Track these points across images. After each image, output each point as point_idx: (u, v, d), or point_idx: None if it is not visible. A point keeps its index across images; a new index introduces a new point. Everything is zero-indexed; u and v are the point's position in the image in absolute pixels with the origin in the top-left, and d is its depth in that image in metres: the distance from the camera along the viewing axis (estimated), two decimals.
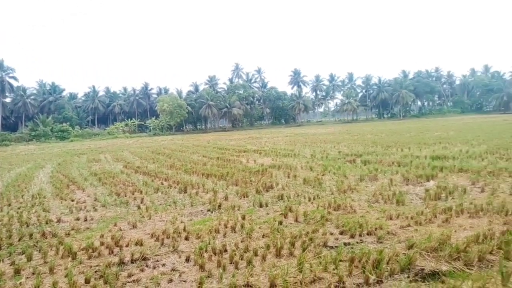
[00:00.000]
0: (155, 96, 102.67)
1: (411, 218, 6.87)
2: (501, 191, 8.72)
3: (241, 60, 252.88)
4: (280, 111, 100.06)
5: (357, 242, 5.88)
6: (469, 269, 4.68)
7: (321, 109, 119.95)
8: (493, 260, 4.90)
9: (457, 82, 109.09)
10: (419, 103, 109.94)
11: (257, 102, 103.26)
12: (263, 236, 6.43)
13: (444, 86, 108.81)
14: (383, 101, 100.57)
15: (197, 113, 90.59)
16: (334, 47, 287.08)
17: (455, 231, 6.08)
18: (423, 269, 4.68)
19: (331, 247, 5.70)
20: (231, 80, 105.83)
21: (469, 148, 17.37)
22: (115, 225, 7.74)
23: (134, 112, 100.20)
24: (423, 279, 4.47)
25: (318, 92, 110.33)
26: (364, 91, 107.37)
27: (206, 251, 5.80)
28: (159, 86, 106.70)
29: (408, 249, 5.31)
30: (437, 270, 4.64)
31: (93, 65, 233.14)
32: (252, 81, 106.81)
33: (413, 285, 4.35)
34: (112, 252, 6.04)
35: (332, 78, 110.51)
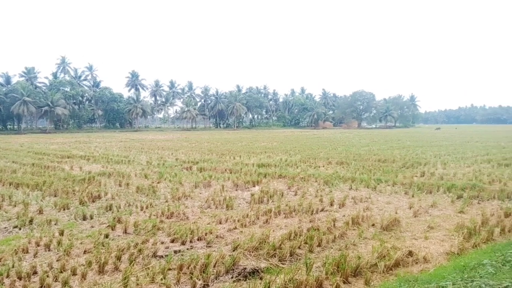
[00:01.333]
0: None
1: (238, 221, 7.41)
2: (309, 194, 10.39)
3: (70, 54, 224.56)
4: (115, 114, 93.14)
5: (188, 249, 5.94)
6: (282, 263, 5.35)
7: (161, 115, 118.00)
8: (301, 253, 5.75)
9: (281, 100, 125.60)
10: (250, 115, 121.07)
11: (87, 102, 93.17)
12: (85, 252, 5.77)
13: (271, 102, 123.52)
14: (220, 112, 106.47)
15: (7, 110, 74.92)
16: (175, 54, 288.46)
17: (273, 230, 6.88)
18: (245, 268, 5.09)
19: (161, 257, 5.57)
20: (55, 75, 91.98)
21: (288, 157, 20.13)
22: None
23: None
24: (245, 278, 4.86)
25: (157, 97, 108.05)
26: (203, 100, 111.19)
27: (8, 276, 4.79)
28: None
29: (233, 250, 5.69)
30: (257, 268, 5.12)
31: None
32: (82, 78, 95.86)
33: (236, 284, 4.66)
34: None
35: (172, 84, 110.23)
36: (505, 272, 4.01)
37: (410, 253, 5.52)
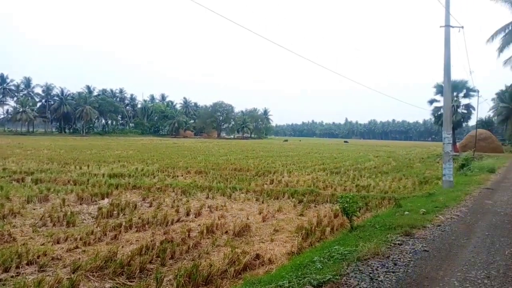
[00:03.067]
0: None
1: (80, 239, 6.61)
2: (165, 204, 10.10)
3: None
4: None
5: (13, 276, 4.97)
6: (131, 281, 4.98)
7: None
8: (152, 268, 5.47)
9: (139, 106, 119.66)
10: (103, 121, 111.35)
11: None
12: None
13: (128, 107, 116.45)
14: (65, 115, 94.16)
15: None
16: (6, 43, 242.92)
17: (122, 246, 6.38)
18: None
19: None
20: None
21: (144, 166, 19.23)
22: None
23: None
24: None
25: None
26: (44, 101, 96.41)
27: None
28: None
29: (73, 272, 5.02)
30: None
31: None
32: None
33: None
34: None
35: (3, 79, 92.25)
36: (330, 266, 4.68)
37: (258, 256, 5.91)
